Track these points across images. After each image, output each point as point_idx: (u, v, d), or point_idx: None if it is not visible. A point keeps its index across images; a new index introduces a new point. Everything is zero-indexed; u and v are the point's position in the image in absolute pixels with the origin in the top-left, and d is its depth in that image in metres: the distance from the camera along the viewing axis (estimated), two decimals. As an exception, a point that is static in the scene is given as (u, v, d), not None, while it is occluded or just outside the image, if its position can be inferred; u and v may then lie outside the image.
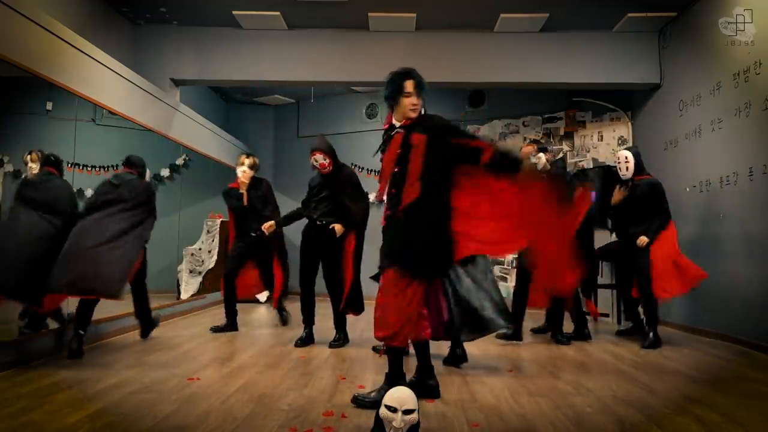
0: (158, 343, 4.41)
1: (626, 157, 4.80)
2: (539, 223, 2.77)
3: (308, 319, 4.52)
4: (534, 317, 5.53)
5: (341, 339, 4.48)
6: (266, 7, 5.68)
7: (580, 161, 7.08)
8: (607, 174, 6.66)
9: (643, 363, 3.83)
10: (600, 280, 6.26)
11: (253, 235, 5.10)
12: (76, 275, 3.48)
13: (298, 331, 4.78)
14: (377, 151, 2.97)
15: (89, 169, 5.24)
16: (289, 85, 7.15)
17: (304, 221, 4.62)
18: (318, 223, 4.45)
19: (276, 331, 5.18)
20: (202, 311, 6.58)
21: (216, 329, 5.06)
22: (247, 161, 5.17)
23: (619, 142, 6.91)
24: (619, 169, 4.86)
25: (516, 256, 5.28)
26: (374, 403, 2.52)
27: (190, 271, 6.65)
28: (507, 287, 6.76)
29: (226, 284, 5.14)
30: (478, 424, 2.42)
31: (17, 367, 3.35)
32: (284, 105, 9.17)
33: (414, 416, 1.99)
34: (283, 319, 5.54)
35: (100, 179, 5.18)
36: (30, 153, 4.20)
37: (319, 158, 4.43)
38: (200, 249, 6.87)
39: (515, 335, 4.68)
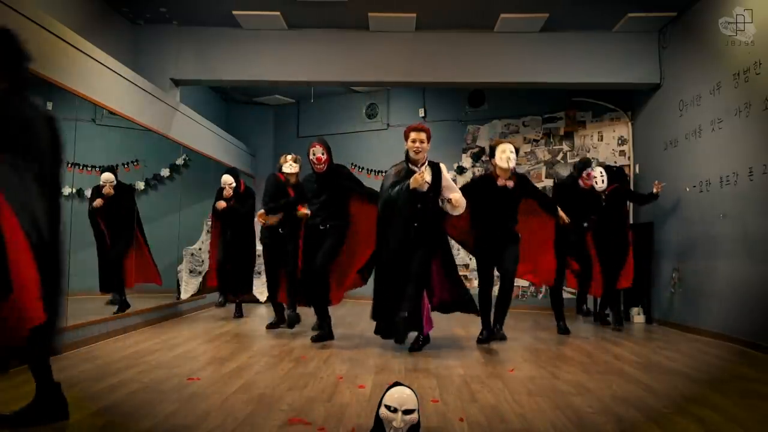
0: (158, 343, 4.41)
1: (601, 172, 5.51)
2: None
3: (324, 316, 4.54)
4: (518, 316, 5.51)
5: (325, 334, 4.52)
6: (266, 7, 5.68)
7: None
8: (607, 174, 6.67)
9: (643, 363, 3.83)
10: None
11: (280, 231, 5.04)
12: None
13: (299, 331, 4.79)
14: None
15: (89, 169, 5.25)
16: (289, 85, 7.15)
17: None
18: (321, 227, 4.43)
19: (276, 331, 5.18)
20: (202, 311, 6.59)
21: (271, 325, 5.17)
22: (290, 157, 5.10)
23: (619, 142, 6.91)
24: (596, 183, 5.45)
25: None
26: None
27: (190, 271, 6.65)
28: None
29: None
30: (479, 424, 2.42)
31: (17, 367, 3.35)
32: (284, 105, 9.17)
33: (414, 416, 1.99)
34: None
35: (100, 179, 5.21)
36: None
37: (318, 150, 4.39)
38: (200, 249, 6.87)
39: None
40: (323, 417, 2.49)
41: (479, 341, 4.49)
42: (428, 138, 4.05)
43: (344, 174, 4.67)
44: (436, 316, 4.34)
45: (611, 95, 6.87)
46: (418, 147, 3.99)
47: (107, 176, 5.09)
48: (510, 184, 4.41)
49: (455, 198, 4.01)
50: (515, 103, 7.54)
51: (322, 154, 4.41)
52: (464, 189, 4.36)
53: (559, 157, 7.34)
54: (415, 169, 4.03)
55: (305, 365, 3.62)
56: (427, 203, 4.02)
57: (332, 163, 4.52)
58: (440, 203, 4.13)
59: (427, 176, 3.97)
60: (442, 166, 4.13)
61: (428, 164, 4.07)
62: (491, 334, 4.47)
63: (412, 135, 4.03)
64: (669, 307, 5.78)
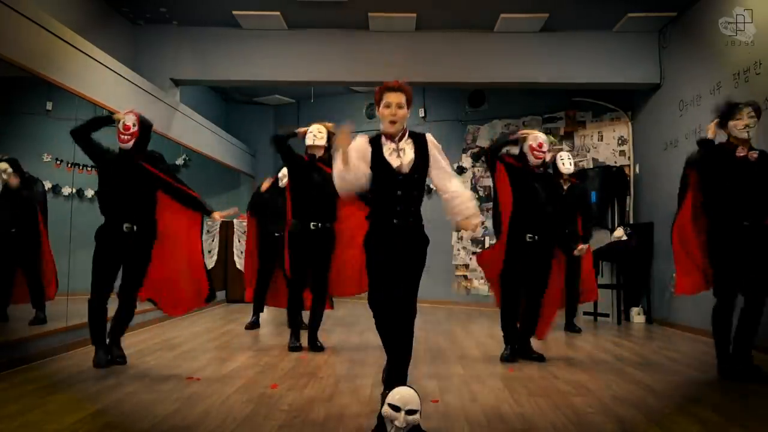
0: (158, 343, 4.41)
1: (569, 156, 4.98)
2: None
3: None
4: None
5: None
6: (266, 7, 5.68)
7: (580, 161, 7.07)
8: (607, 174, 6.68)
9: (643, 363, 3.83)
10: (600, 280, 6.26)
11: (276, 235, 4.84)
12: None
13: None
14: None
15: (89, 169, 5.23)
16: (289, 85, 7.15)
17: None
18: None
19: (276, 331, 5.18)
20: (202, 311, 6.58)
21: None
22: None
23: (619, 142, 6.91)
24: (562, 164, 4.92)
25: None
26: None
27: (190, 271, 6.64)
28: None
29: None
30: (479, 424, 2.42)
31: (17, 367, 3.35)
32: (284, 105, 9.17)
33: (416, 417, 1.99)
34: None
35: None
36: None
37: (129, 120, 3.40)
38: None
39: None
40: (323, 417, 2.49)
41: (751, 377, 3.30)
42: (409, 102, 2.59)
43: (161, 162, 3.63)
44: (436, 314, 4.33)
45: (611, 95, 6.87)
46: (395, 114, 2.53)
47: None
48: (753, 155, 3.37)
49: (456, 193, 2.59)
50: (515, 103, 7.54)
51: (134, 125, 3.39)
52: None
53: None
54: (387, 142, 2.56)
55: (305, 365, 3.62)
56: (411, 190, 2.56)
57: (144, 139, 3.48)
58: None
59: (409, 152, 2.55)
60: (430, 137, 2.65)
61: (409, 136, 2.60)
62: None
63: (388, 97, 2.54)
64: (669, 307, 5.78)
